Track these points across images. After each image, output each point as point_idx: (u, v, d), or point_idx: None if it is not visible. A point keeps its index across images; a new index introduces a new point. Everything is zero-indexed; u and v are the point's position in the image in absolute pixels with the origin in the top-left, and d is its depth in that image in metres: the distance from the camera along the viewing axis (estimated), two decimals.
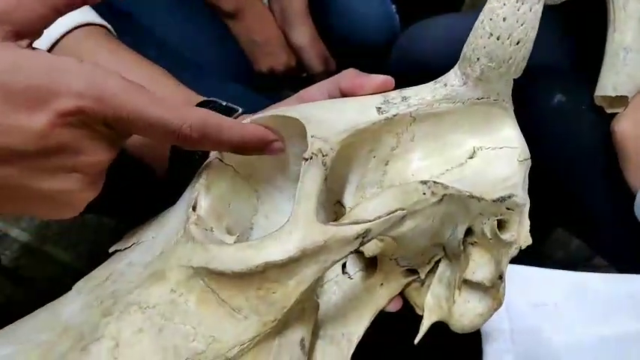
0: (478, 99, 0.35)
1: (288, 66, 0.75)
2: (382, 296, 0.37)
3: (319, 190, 0.30)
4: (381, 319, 0.37)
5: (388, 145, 0.36)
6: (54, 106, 0.25)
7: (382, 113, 0.35)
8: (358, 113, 0.34)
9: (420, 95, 0.35)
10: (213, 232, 0.33)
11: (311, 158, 0.30)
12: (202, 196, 0.33)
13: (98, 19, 0.42)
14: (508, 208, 0.33)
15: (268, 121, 0.33)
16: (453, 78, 0.35)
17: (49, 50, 0.41)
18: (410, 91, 0.36)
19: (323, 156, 0.31)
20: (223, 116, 0.30)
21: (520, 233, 0.33)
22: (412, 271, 0.38)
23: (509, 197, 0.32)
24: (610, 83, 0.43)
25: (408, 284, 0.38)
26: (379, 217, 0.30)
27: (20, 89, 0.24)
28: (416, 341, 0.35)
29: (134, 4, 0.54)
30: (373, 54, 0.72)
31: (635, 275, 0.39)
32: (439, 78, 0.36)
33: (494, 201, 0.32)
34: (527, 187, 0.34)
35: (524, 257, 0.37)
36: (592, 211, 0.49)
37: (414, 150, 0.36)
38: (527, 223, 0.34)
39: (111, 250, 0.36)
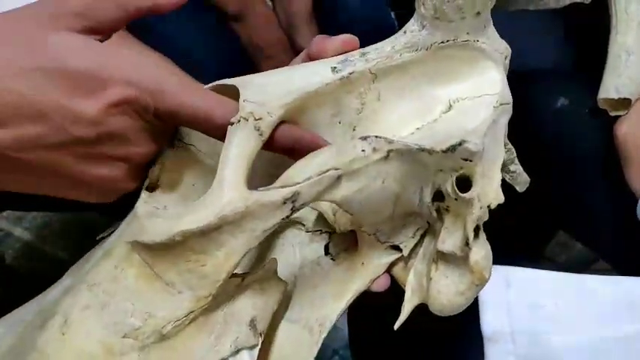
0: (443, 42, 0.30)
1: None
2: (363, 276, 0.33)
3: (247, 155, 0.28)
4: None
5: (352, 108, 0.33)
6: (107, 93, 0.26)
7: (337, 72, 0.32)
8: (309, 76, 0.32)
9: (380, 49, 0.32)
10: (166, 209, 0.32)
11: (239, 121, 0.29)
12: (161, 175, 0.33)
13: None
14: (466, 159, 0.27)
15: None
16: (412, 23, 0.31)
17: None
18: (370, 47, 0.32)
19: (255, 120, 0.29)
20: None
21: (486, 188, 0.28)
22: (396, 249, 0.33)
23: (460, 144, 0.27)
24: (612, 86, 0.42)
25: (395, 262, 0.34)
26: (309, 179, 0.27)
27: (78, 75, 0.25)
28: (396, 326, 0.31)
29: None
30: None
31: (636, 278, 0.34)
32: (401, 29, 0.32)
33: (444, 151, 0.27)
34: (502, 134, 0.29)
35: (525, 260, 0.35)
36: (594, 214, 0.47)
37: (382, 110, 0.33)
38: (497, 177, 0.28)
39: (98, 237, 0.37)
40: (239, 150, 0.28)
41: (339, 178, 0.27)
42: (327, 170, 0.27)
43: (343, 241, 0.35)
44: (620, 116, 0.42)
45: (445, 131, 0.30)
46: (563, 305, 0.33)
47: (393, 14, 0.74)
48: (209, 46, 0.64)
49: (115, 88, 0.26)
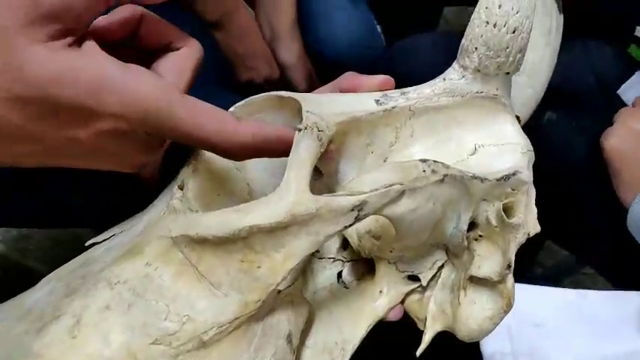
0: (477, 93, 0.34)
1: (269, 79, 0.74)
2: (381, 305, 0.34)
3: (312, 161, 0.29)
4: (380, 328, 0.33)
5: (387, 141, 0.35)
6: (96, 127, 0.24)
7: (380, 105, 0.34)
8: (356, 102, 0.33)
9: (420, 90, 0.35)
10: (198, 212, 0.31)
11: (305, 129, 0.29)
12: (190, 178, 0.32)
13: None
14: (513, 189, 0.30)
15: (263, 102, 0.32)
16: (451, 72, 0.35)
17: None
18: (409, 88, 0.35)
19: (319, 131, 0.30)
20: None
21: (528, 217, 0.31)
22: (413, 279, 0.35)
23: (514, 174, 0.30)
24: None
25: (409, 294, 0.35)
26: (376, 190, 0.28)
27: (64, 105, 0.23)
28: (418, 353, 0.31)
29: None
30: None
31: (635, 292, 0.38)
32: (439, 76, 0.35)
33: (498, 180, 0.30)
34: (531, 175, 0.32)
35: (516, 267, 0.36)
36: (584, 225, 0.49)
37: (413, 146, 0.35)
38: (534, 208, 0.31)
39: (87, 243, 0.33)
40: (305, 155, 0.28)
41: (402, 193, 0.29)
42: (393, 184, 0.28)
43: (357, 270, 0.36)
44: (606, 129, 0.45)
45: (477, 169, 0.33)
46: (563, 323, 0.35)
47: (379, 28, 0.76)
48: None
49: (102, 121, 0.24)
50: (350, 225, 0.28)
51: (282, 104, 0.32)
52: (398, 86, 0.36)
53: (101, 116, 0.24)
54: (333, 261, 0.36)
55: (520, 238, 0.30)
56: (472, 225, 0.33)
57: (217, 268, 0.27)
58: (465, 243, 0.32)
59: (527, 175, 0.30)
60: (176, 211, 0.29)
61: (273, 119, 0.34)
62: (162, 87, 0.25)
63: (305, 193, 0.27)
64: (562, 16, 0.49)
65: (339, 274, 0.36)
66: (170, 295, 0.27)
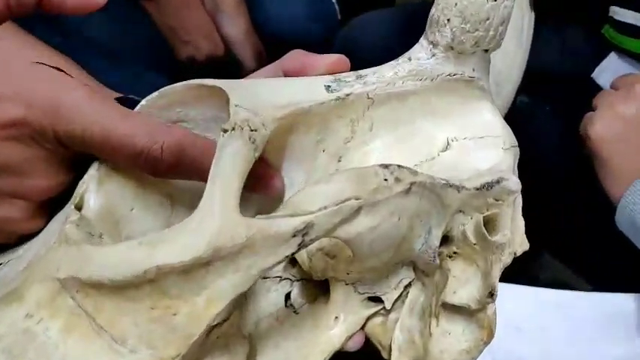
0: (450, 75, 0.28)
1: (212, 56, 0.67)
2: (338, 333, 0.28)
3: (242, 172, 0.22)
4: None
5: (341, 136, 0.29)
6: None
7: (332, 92, 0.27)
8: (302, 90, 0.27)
9: (380, 73, 0.28)
10: (102, 239, 0.24)
11: (233, 129, 0.23)
12: (92, 192, 0.25)
13: None
14: (497, 200, 0.25)
15: (182, 92, 0.26)
16: (418, 50, 0.28)
17: None
18: (367, 70, 0.29)
19: (251, 130, 0.23)
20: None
21: (514, 234, 0.25)
22: (375, 300, 0.29)
23: (498, 182, 0.24)
24: None
25: (370, 317, 0.29)
26: (325, 208, 0.22)
27: None
28: None
29: None
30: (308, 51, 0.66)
31: (621, 295, 0.34)
32: (403, 55, 0.29)
33: (477, 189, 0.24)
34: (519, 181, 0.27)
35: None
36: (562, 222, 0.45)
37: (373, 141, 0.29)
38: (521, 222, 0.26)
39: None
40: (234, 164, 0.22)
41: (359, 209, 0.23)
42: (347, 199, 0.22)
43: (308, 291, 0.30)
44: (585, 113, 0.40)
45: (449, 171, 0.27)
46: (543, 327, 0.31)
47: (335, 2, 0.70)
48: (116, 31, 0.54)
49: (7, 110, 0.22)
50: (293, 253, 0.22)
51: (211, 94, 0.25)
52: (355, 68, 0.30)
53: (3, 101, 0.22)
54: (280, 280, 0.30)
55: (505, 259, 0.25)
56: (446, 238, 0.27)
57: (121, 318, 0.21)
58: (437, 261, 0.27)
59: (515, 182, 0.25)
60: (69, 240, 0.22)
61: (200, 114, 0.27)
62: (71, 81, 0.23)
63: (232, 217, 0.21)
64: (533, 13, 0.43)
65: (287, 296, 0.30)
66: (58, 356, 0.20)
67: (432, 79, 0.28)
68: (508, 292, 0.37)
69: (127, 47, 0.53)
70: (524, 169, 0.44)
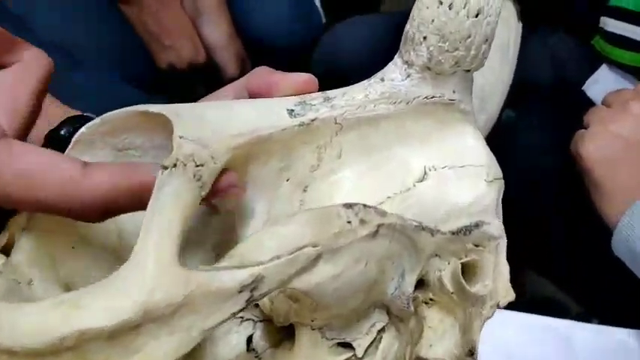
0: (427, 98, 0.25)
1: (192, 63, 0.64)
2: None
3: (183, 216, 0.19)
4: None
5: (306, 164, 0.26)
6: None
7: (295, 117, 0.25)
8: (262, 115, 0.24)
9: (349, 95, 0.26)
10: (32, 285, 0.21)
11: (174, 166, 0.20)
12: (24, 230, 0.22)
13: None
14: (476, 245, 0.22)
15: (125, 120, 0.23)
16: (392, 70, 0.26)
17: None
18: (336, 92, 0.26)
19: (197, 166, 0.20)
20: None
21: (497, 282, 0.23)
22: (345, 346, 0.26)
23: (477, 226, 0.22)
24: None
25: None
26: (277, 258, 0.19)
27: None
28: None
29: None
30: (289, 56, 0.63)
31: (624, 329, 0.32)
32: (375, 74, 0.26)
33: (454, 233, 0.22)
34: (501, 216, 0.24)
35: None
36: (551, 236, 0.42)
37: (341, 170, 0.26)
38: (505, 268, 0.23)
39: None
40: (173, 206, 0.19)
41: (317, 258, 0.20)
42: (304, 246, 0.20)
43: (272, 333, 0.27)
44: (576, 130, 0.38)
45: (425, 206, 0.25)
46: (540, 357, 0.29)
47: (319, 7, 0.68)
48: (92, 34, 0.51)
49: None
50: (240, 310, 0.19)
51: (157, 121, 0.22)
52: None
53: None
54: (242, 321, 0.27)
55: (487, 312, 0.22)
56: (422, 282, 0.24)
57: None
58: (412, 308, 0.24)
59: (496, 226, 0.22)
60: None
61: (148, 141, 0.24)
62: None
63: (167, 271, 0.18)
64: (521, 24, 0.40)
65: (249, 339, 0.27)
66: None
67: (408, 102, 0.25)
68: (498, 317, 0.35)
69: (93, 49, 0.50)
70: (512, 185, 0.41)
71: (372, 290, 0.23)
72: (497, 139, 0.41)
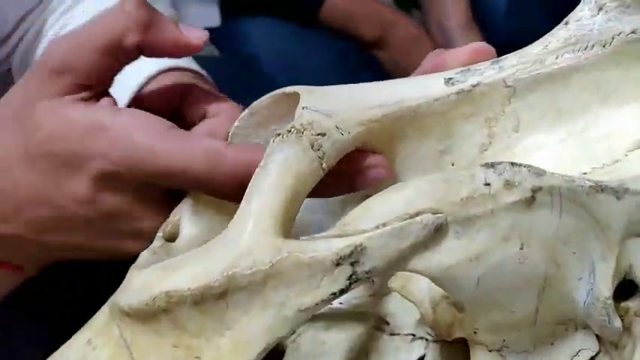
0: (631, 33, 0.18)
1: None
2: None
3: (293, 185, 0.18)
4: None
5: (473, 144, 0.21)
6: (87, 171, 0.24)
7: (452, 85, 0.21)
8: (409, 88, 0.21)
9: (522, 52, 0.20)
10: None
11: (289, 132, 0.18)
12: (186, 220, 0.24)
13: (184, 63, 0.39)
14: None
15: (267, 105, 0.23)
16: (579, 8, 0.19)
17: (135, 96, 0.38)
18: (509, 55, 0.21)
19: (315, 134, 0.19)
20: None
21: None
22: None
23: None
24: None
25: None
26: (383, 225, 0.15)
27: (59, 158, 0.24)
28: None
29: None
30: None
31: None
32: None
33: None
34: None
35: None
36: None
37: (521, 145, 0.20)
38: None
39: None
40: (281, 174, 0.18)
41: (441, 229, 0.15)
42: (417, 213, 0.15)
43: (448, 355, 0.22)
44: None
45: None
46: None
47: None
48: (347, 78, 0.57)
49: (91, 163, 0.24)
50: (343, 291, 0.16)
51: (283, 105, 0.22)
52: None
53: (89, 158, 0.24)
54: (413, 339, 0.23)
55: None
56: (631, 284, 0.16)
57: (150, 356, 0.18)
58: (618, 322, 0.16)
59: None
60: (137, 266, 0.21)
61: None
62: (144, 131, 0.23)
63: (261, 239, 0.16)
64: None
65: None
66: None
67: (604, 45, 0.19)
68: None
69: None
70: None
71: (550, 290, 0.17)
72: None
